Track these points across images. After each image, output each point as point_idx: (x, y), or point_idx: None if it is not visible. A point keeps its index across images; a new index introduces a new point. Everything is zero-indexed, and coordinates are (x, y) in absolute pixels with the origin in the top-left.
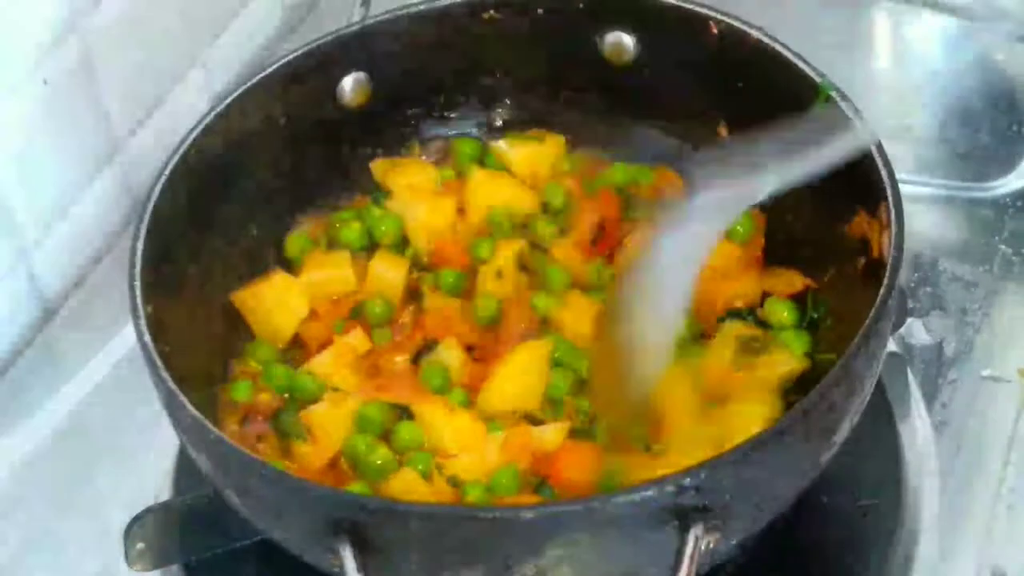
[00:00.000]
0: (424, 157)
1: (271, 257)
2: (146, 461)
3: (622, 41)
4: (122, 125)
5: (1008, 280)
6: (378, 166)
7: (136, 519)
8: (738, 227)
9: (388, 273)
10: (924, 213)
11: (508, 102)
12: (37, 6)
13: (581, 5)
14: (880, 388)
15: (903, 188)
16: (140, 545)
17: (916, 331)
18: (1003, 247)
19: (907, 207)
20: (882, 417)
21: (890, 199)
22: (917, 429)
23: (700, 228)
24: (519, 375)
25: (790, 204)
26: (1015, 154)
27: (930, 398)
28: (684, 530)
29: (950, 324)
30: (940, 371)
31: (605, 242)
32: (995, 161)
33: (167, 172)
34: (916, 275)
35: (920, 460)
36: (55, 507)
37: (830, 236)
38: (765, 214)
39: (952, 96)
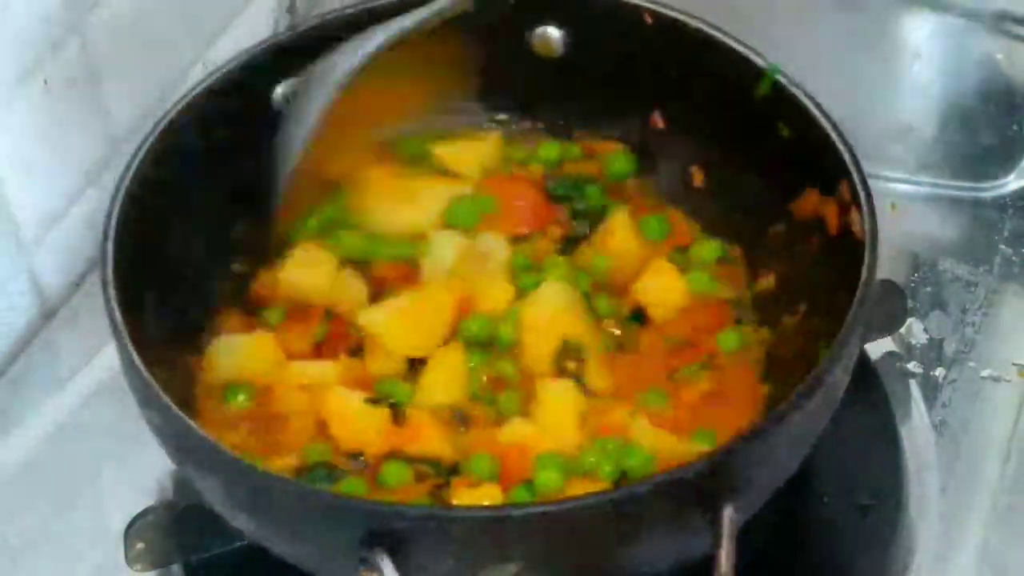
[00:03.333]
0: None
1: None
2: (146, 461)
3: (550, 35)
4: (122, 125)
5: (1008, 280)
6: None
7: (136, 519)
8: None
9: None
10: (924, 213)
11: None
12: (37, 6)
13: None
14: (880, 388)
15: (903, 188)
16: (140, 545)
17: (916, 331)
18: (1003, 247)
19: (907, 207)
20: (882, 417)
21: (854, 177)
22: (917, 429)
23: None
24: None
25: (732, 176)
26: (1015, 154)
27: (930, 398)
28: (717, 510)
29: (950, 324)
30: (940, 371)
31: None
32: (995, 161)
33: (123, 188)
34: (916, 275)
35: (920, 460)
36: (55, 507)
37: (774, 213)
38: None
39: (952, 96)
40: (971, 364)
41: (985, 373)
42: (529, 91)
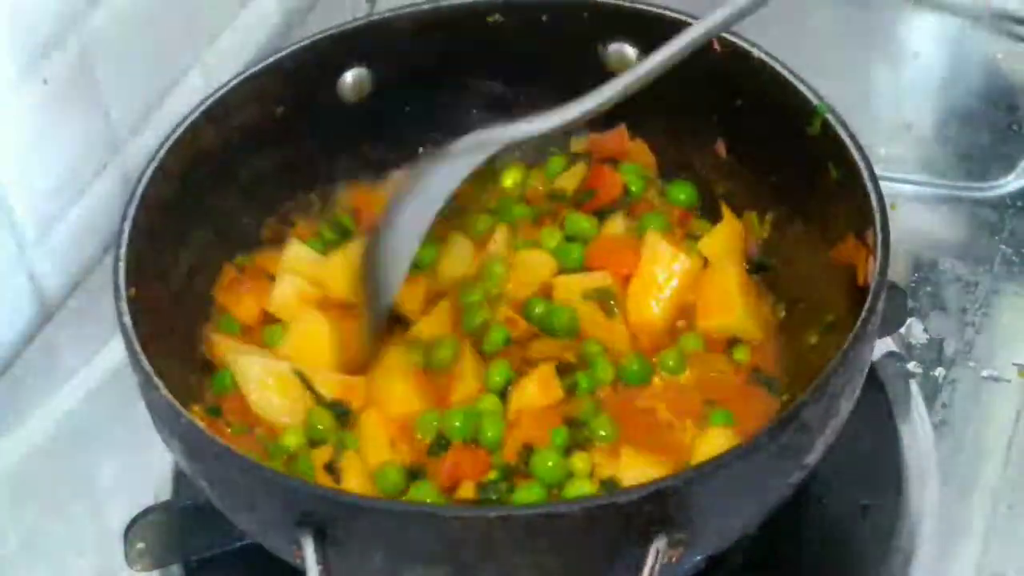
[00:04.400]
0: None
1: (260, 246)
2: (146, 461)
3: (624, 52)
4: (122, 125)
5: (1008, 280)
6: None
7: (136, 519)
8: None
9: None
10: (924, 213)
11: (508, 104)
12: (37, 6)
13: (586, 14)
14: (880, 388)
15: (903, 188)
16: (140, 545)
17: (916, 331)
18: (1003, 247)
19: (907, 207)
20: (882, 417)
21: (877, 224)
22: (917, 429)
23: (451, 166)
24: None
25: (783, 230)
26: (1015, 154)
27: (930, 398)
28: (646, 543)
29: (950, 324)
30: (940, 371)
31: None
32: (995, 161)
33: (160, 156)
34: (916, 275)
35: (920, 460)
36: (55, 507)
37: (818, 263)
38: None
39: (952, 96)
40: (971, 364)
41: (985, 373)
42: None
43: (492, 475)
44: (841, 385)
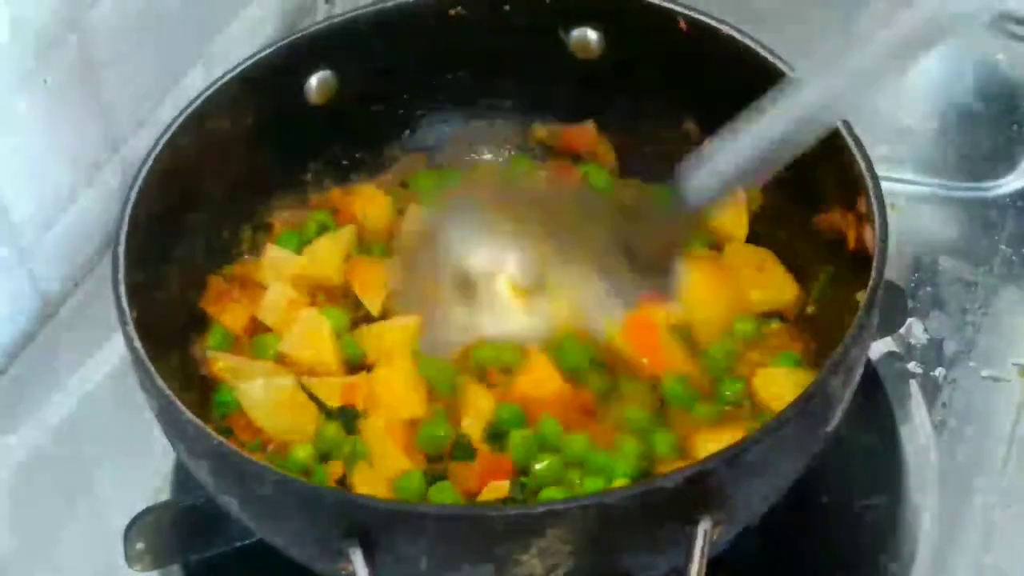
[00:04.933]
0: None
1: (242, 254)
2: (146, 461)
3: (587, 36)
4: (122, 125)
5: (1008, 280)
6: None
7: (136, 519)
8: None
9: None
10: (924, 213)
11: (475, 97)
12: (37, 5)
13: (547, 1)
14: (880, 388)
15: (903, 188)
16: (140, 545)
17: (916, 331)
18: (1003, 247)
19: (907, 207)
20: (882, 417)
21: (870, 191)
22: (917, 429)
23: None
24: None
25: (773, 207)
26: (1015, 154)
27: (930, 398)
28: (693, 524)
29: (950, 324)
30: (940, 371)
31: None
32: (995, 161)
33: (142, 177)
34: (916, 275)
35: (920, 460)
36: (55, 507)
37: (807, 233)
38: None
39: (952, 96)
40: (971, 364)
41: (985, 373)
42: (563, 93)
43: (523, 478)
44: (856, 356)
